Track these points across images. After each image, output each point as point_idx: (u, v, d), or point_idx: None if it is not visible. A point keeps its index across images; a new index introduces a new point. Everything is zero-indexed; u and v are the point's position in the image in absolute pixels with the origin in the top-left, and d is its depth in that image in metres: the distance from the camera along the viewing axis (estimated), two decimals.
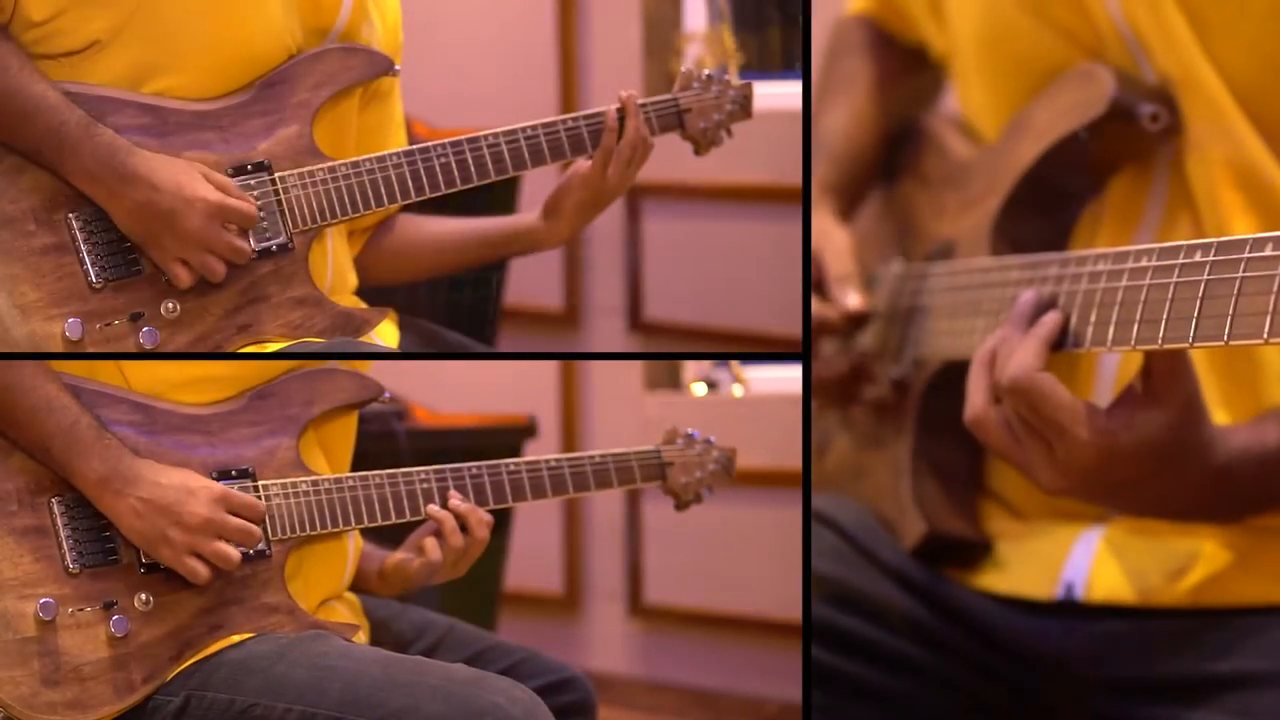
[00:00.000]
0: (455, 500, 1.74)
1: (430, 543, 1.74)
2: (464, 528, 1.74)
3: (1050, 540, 1.72)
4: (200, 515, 1.61)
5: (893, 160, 2.00)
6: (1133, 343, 1.44)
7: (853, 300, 1.83)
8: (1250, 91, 1.63)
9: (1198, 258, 1.41)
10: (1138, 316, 1.44)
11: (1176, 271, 1.42)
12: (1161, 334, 1.42)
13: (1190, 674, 1.61)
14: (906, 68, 2.00)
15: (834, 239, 1.88)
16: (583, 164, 1.80)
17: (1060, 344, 1.52)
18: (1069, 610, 1.69)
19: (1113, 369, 1.69)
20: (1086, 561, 1.69)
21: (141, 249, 1.63)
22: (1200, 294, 1.39)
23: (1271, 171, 1.63)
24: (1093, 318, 1.50)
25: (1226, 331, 1.36)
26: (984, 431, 1.54)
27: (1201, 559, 1.65)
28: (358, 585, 1.81)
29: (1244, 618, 1.61)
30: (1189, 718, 1.59)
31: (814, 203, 1.90)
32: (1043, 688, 1.71)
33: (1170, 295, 1.42)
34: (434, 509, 1.73)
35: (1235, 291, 1.36)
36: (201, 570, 1.61)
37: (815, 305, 1.85)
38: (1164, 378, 1.46)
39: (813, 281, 1.87)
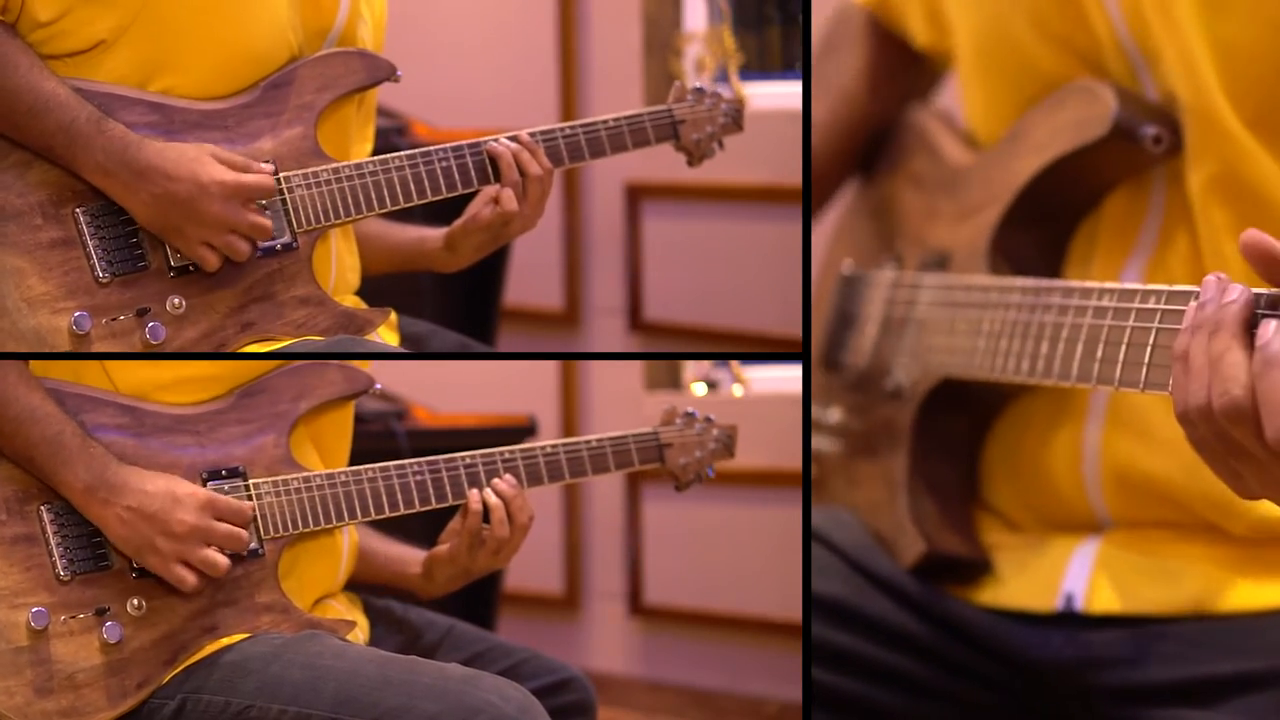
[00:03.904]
0: (503, 484, 1.73)
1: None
2: (486, 519, 1.73)
3: (1047, 553, 1.72)
4: (187, 523, 1.60)
5: (881, 155, 1.99)
6: (1141, 386, 1.43)
7: None
8: (1266, 110, 1.61)
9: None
10: (1146, 360, 1.44)
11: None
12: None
13: (1193, 677, 1.61)
14: (899, 62, 1.98)
15: None
16: (484, 206, 1.78)
17: None
18: (1070, 621, 1.69)
19: (1103, 402, 1.69)
20: (1085, 573, 1.69)
21: (164, 239, 1.63)
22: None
23: (1275, 193, 1.62)
24: (1099, 354, 1.49)
25: None
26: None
27: (1197, 569, 1.65)
28: (397, 590, 1.80)
29: (1244, 620, 1.62)
30: (1193, 718, 1.60)
31: None
32: (1045, 697, 1.71)
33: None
34: (475, 495, 1.73)
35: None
36: (190, 578, 1.61)
37: None
38: None
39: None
